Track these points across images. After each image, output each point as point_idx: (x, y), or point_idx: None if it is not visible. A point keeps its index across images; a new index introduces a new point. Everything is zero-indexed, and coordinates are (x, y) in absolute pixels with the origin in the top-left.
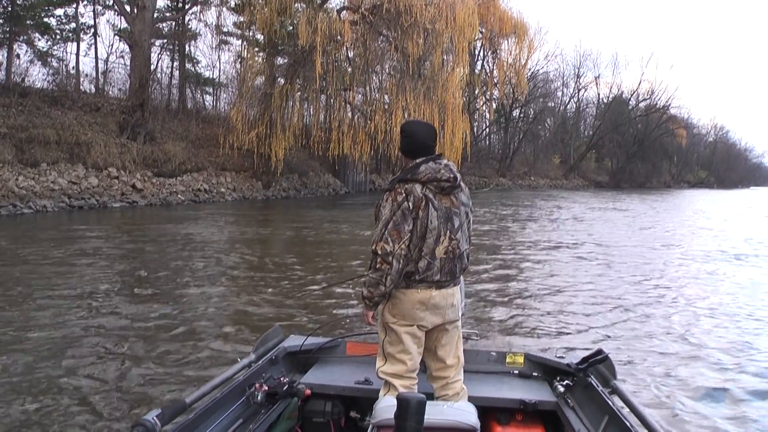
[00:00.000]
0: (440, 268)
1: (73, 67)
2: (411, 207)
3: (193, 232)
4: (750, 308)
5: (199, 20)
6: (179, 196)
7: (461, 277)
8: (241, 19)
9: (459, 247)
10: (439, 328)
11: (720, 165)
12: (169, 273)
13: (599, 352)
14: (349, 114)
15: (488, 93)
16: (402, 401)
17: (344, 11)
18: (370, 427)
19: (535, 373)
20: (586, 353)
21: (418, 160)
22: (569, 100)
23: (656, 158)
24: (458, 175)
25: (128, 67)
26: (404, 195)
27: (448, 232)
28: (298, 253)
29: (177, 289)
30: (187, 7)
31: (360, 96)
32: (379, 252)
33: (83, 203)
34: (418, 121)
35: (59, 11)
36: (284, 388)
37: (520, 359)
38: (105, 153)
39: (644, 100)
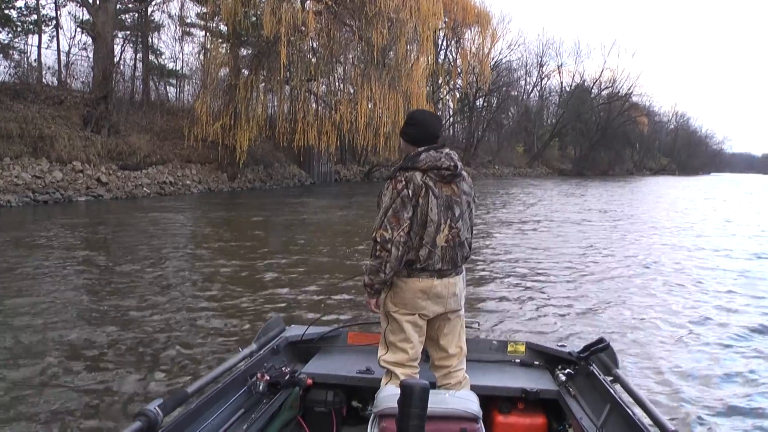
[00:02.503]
0: (441, 256)
1: (35, 60)
2: (411, 195)
3: (179, 223)
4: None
5: (163, 11)
6: (145, 189)
7: (463, 266)
8: (205, 10)
9: (460, 236)
10: (441, 317)
11: (681, 152)
12: (152, 262)
13: (601, 340)
14: (314, 105)
15: (452, 82)
16: (405, 387)
17: (308, 1)
18: (372, 416)
19: (536, 362)
20: (588, 342)
21: (420, 149)
22: (532, 89)
23: (619, 146)
24: (459, 164)
25: (91, 60)
26: (404, 183)
27: (449, 220)
28: (288, 240)
29: (174, 278)
30: None
31: (324, 87)
32: (378, 239)
33: (48, 198)
34: (426, 111)
35: (20, 3)
36: (286, 378)
37: (522, 348)
38: (69, 146)
39: (606, 88)
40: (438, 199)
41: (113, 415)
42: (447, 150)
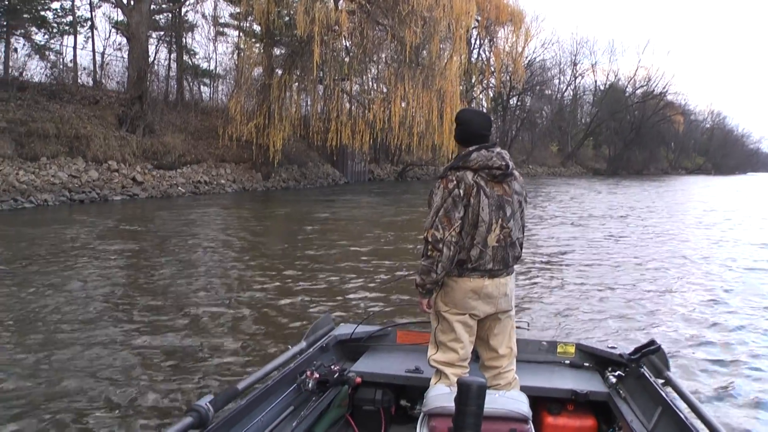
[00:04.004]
0: (492, 256)
1: (70, 61)
2: (462, 194)
3: (221, 220)
4: None
5: (196, 12)
6: (180, 188)
7: (514, 267)
8: (238, 10)
9: (511, 236)
10: (492, 317)
11: (717, 151)
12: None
13: (652, 342)
14: (347, 104)
15: (485, 81)
16: (463, 385)
17: (341, 0)
18: (422, 415)
19: (586, 364)
20: (638, 344)
21: (470, 148)
22: (566, 88)
23: (653, 145)
24: (511, 164)
25: (126, 60)
26: (455, 182)
27: (500, 220)
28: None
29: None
30: None
31: (357, 86)
32: (430, 239)
33: (84, 197)
34: (473, 110)
35: (56, 4)
36: (335, 376)
37: (571, 349)
38: (104, 146)
39: (641, 86)
40: (489, 198)
41: (164, 410)
42: (498, 149)
